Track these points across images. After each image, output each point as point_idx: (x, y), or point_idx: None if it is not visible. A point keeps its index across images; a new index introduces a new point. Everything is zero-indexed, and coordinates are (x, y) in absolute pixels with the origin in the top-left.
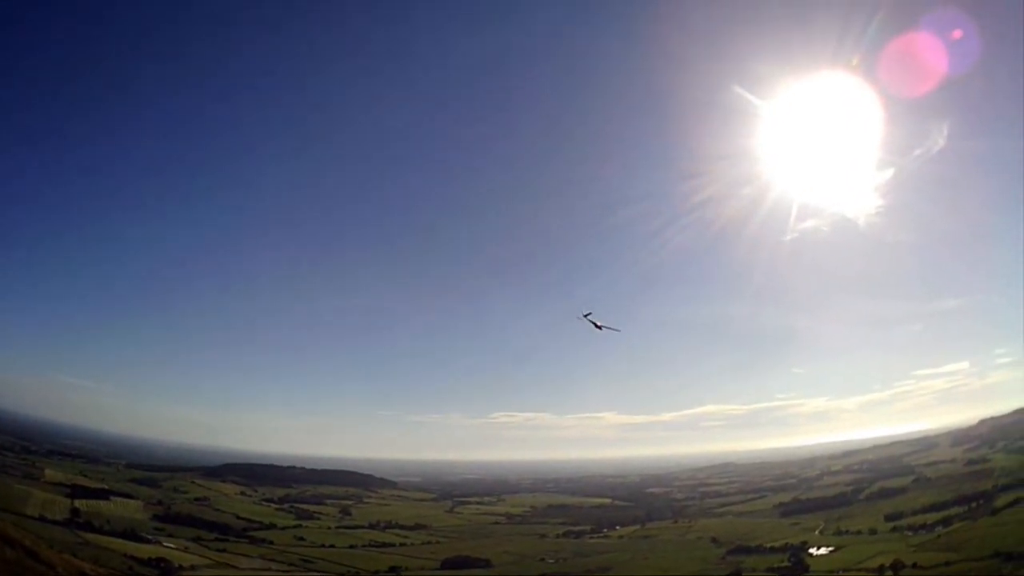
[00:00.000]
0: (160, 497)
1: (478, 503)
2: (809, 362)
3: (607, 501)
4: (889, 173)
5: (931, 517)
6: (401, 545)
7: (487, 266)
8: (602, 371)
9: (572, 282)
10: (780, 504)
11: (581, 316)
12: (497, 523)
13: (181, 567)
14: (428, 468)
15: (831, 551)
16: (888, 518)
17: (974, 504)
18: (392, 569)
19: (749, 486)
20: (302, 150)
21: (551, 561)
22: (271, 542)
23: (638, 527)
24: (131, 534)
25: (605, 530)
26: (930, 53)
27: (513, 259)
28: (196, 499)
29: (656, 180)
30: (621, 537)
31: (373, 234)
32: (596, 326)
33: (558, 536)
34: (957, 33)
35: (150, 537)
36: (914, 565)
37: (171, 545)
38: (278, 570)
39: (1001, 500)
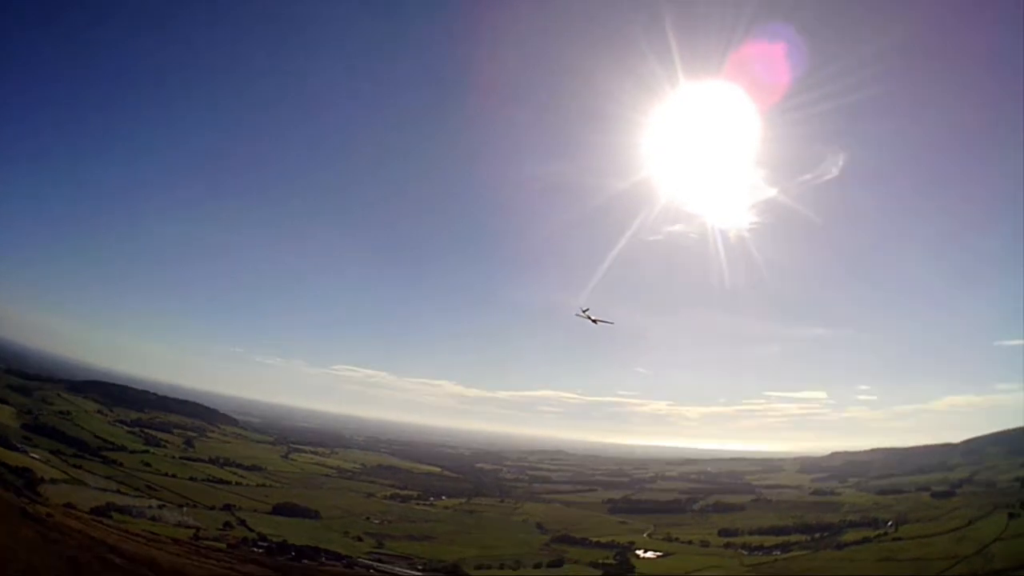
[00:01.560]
0: (30, 406)
1: (312, 452)
2: (655, 364)
3: (437, 470)
4: (772, 192)
5: (769, 540)
6: (237, 484)
7: (351, 220)
8: (446, 339)
9: (431, 249)
10: (610, 500)
11: (579, 312)
12: (328, 476)
13: (42, 479)
14: (269, 411)
15: (659, 556)
16: (722, 533)
17: (817, 535)
18: (227, 507)
19: (579, 477)
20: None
21: (377, 521)
22: (121, 464)
23: (464, 500)
24: (3, 440)
25: (432, 499)
26: (765, 63)
27: (374, 220)
28: (59, 412)
29: (534, 169)
30: (447, 508)
31: (239, 169)
32: (592, 320)
33: (386, 498)
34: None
35: (19, 446)
36: None
37: (36, 456)
38: (125, 493)
39: (849, 536)
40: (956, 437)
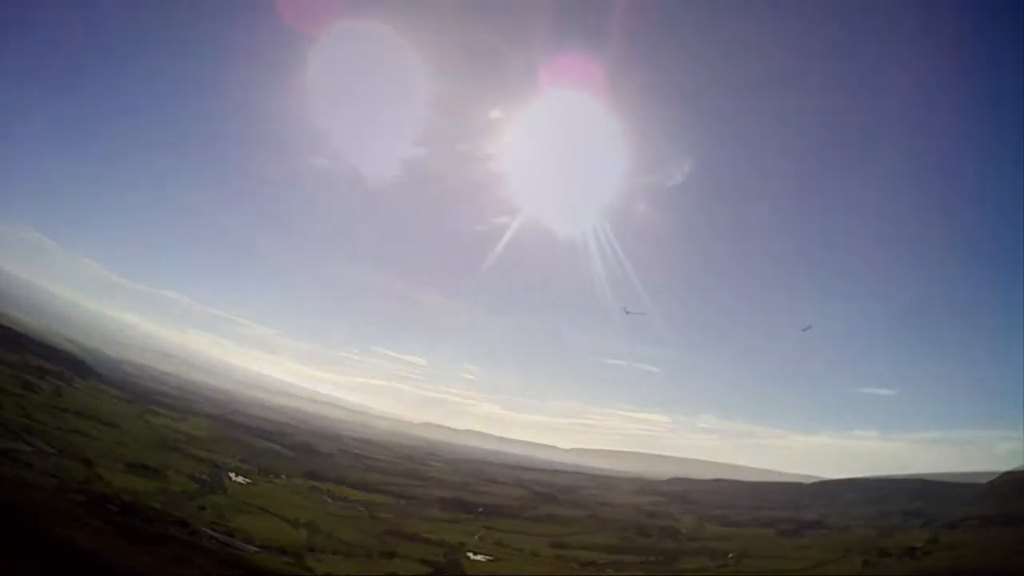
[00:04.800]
0: None
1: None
2: (486, 363)
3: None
4: (641, 207)
5: (603, 557)
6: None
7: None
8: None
9: None
10: (442, 499)
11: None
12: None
13: None
14: None
15: (489, 560)
16: (554, 544)
17: (653, 559)
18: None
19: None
20: None
21: None
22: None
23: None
24: None
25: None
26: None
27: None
28: None
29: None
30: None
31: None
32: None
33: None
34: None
35: None
36: None
37: None
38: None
39: (688, 564)
40: (806, 478)
